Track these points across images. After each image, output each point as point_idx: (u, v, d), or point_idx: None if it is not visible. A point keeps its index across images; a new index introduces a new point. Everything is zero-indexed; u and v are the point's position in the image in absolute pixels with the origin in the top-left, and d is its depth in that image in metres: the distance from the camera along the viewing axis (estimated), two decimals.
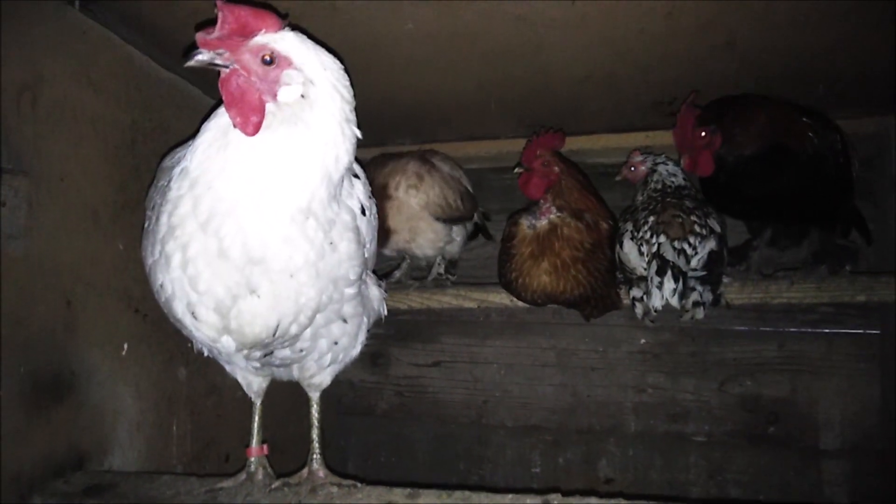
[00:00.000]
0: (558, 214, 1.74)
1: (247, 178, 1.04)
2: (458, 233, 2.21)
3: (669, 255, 1.60)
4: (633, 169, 2.04)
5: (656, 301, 1.58)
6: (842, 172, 1.69)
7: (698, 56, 1.75)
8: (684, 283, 1.57)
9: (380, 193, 1.92)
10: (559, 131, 1.86)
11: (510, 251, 1.78)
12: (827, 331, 2.27)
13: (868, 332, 2.23)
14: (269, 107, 1.04)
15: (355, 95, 1.12)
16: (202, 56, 1.01)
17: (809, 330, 2.29)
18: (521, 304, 1.86)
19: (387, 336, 2.69)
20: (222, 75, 1.04)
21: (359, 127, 1.13)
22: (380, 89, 1.90)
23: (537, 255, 1.73)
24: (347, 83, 1.11)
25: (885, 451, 2.15)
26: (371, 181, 1.86)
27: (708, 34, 1.66)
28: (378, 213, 1.65)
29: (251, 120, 1.03)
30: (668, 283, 1.57)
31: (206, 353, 1.34)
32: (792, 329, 2.30)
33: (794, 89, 1.92)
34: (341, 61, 1.12)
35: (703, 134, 1.71)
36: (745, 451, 2.32)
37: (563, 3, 1.46)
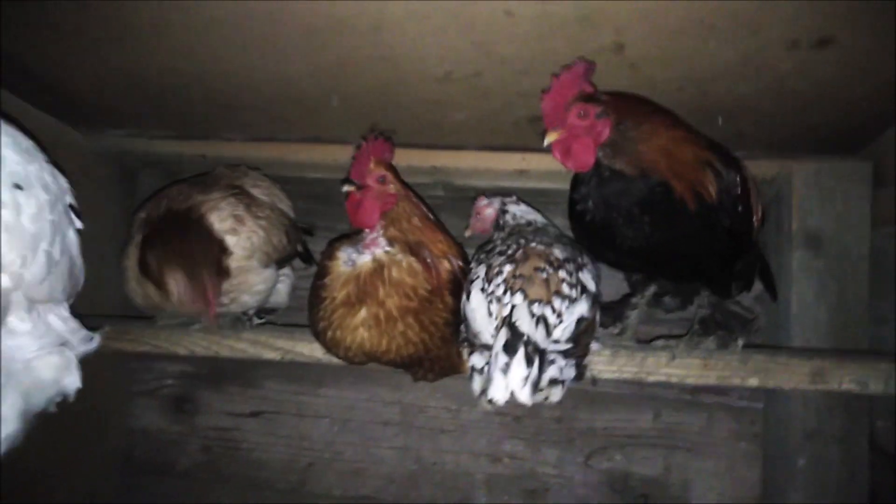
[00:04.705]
0: (387, 250, 1.30)
1: None
2: (285, 277, 1.78)
3: (525, 325, 1.13)
4: (478, 216, 1.69)
5: (498, 392, 1.09)
6: (741, 224, 1.31)
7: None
8: (541, 366, 1.11)
9: None
10: (388, 138, 1.43)
11: (320, 293, 1.32)
12: (708, 401, 1.97)
13: (752, 405, 1.95)
14: None
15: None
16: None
17: (688, 398, 1.98)
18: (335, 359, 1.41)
19: (196, 376, 2.15)
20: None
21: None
22: (176, 62, 1.43)
23: (354, 301, 1.27)
24: None
25: None
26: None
27: (591, 29, 1.29)
28: None
29: None
30: (518, 368, 1.09)
31: None
32: (670, 397, 1.98)
33: (688, 116, 1.60)
34: None
35: (583, 113, 1.23)
36: None
37: None
